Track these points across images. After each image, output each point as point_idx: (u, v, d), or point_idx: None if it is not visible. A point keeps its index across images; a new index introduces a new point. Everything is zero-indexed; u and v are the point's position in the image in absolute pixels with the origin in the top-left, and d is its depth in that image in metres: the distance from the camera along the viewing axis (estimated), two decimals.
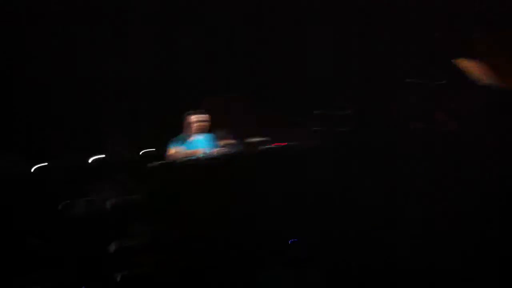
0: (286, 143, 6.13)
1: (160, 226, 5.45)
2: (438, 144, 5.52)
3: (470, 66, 6.43)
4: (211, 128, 6.85)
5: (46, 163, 6.39)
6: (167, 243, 5.34)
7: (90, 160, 6.97)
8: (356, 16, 8.32)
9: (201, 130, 6.74)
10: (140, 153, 5.86)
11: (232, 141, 6.73)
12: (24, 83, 8.24)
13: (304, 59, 8.61)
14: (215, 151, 6.45)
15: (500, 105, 5.79)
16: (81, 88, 8.36)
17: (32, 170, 6.27)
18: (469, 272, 4.72)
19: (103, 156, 7.50)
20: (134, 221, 5.49)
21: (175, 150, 6.54)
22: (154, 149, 6.17)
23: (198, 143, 6.68)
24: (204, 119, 6.75)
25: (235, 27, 8.80)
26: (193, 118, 6.74)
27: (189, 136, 6.71)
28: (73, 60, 8.41)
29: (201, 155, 6.23)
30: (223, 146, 6.60)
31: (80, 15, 8.44)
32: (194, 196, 5.50)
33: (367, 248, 5.08)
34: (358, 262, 5.01)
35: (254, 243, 5.32)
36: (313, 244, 5.31)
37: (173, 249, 5.32)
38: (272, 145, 6.01)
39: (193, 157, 6.15)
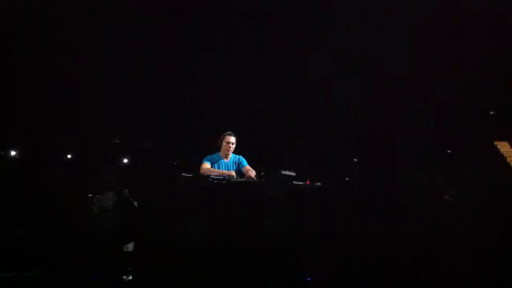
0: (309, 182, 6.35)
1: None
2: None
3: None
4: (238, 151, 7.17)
5: None
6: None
7: None
8: None
9: (231, 151, 7.06)
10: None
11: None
12: None
13: None
14: (247, 175, 6.73)
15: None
16: None
17: None
18: None
19: None
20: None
21: (207, 166, 6.81)
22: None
23: (228, 164, 7.01)
24: (235, 141, 7.05)
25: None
26: (228, 139, 7.02)
27: (222, 156, 7.03)
28: None
29: (230, 177, 6.45)
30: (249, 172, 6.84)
31: None
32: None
33: None
34: None
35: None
36: None
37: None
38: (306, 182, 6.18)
39: (223, 177, 6.34)
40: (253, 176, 6.69)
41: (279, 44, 9.20)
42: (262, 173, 6.70)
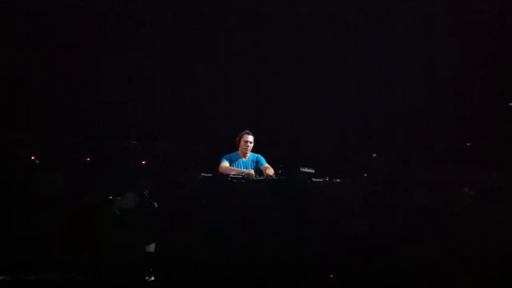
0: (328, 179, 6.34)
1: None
2: None
3: None
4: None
5: None
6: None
7: None
8: None
9: (249, 150, 7.06)
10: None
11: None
12: None
13: None
14: (265, 173, 6.74)
15: None
16: None
17: None
18: None
19: None
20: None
21: (226, 164, 6.84)
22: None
23: (247, 163, 7.02)
24: (252, 140, 7.06)
25: None
26: (246, 138, 7.03)
27: (240, 155, 7.05)
28: None
29: (249, 176, 6.47)
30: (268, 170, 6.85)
31: None
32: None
33: None
34: None
35: None
36: None
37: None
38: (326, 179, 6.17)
39: (242, 175, 6.36)
40: (271, 174, 6.70)
41: (290, 42, 9.22)
42: (280, 171, 6.71)
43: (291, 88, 9.34)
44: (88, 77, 9.29)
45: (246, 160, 7.06)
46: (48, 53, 9.13)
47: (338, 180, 6.25)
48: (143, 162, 8.77)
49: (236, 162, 6.99)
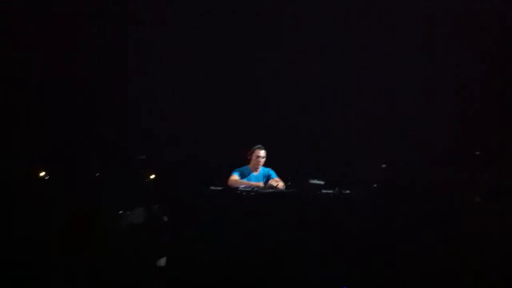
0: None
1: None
2: None
3: None
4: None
5: None
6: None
7: None
8: None
9: (261, 165, 7.06)
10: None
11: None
12: None
13: None
14: (276, 185, 6.73)
15: None
16: None
17: None
18: None
19: None
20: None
21: (236, 178, 6.84)
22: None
23: (258, 177, 7.02)
24: (265, 155, 7.04)
25: None
26: (258, 153, 7.03)
27: (252, 169, 7.05)
28: None
29: (258, 189, 6.47)
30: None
31: None
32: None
33: None
34: None
35: None
36: None
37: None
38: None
39: (251, 188, 6.35)
40: (274, 185, 6.67)
41: (293, 45, 9.21)
42: (289, 183, 6.68)
43: (298, 97, 9.30)
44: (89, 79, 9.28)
45: (257, 175, 7.04)
46: (48, 53, 9.15)
47: (348, 191, 6.22)
48: (152, 176, 8.75)
49: (248, 177, 6.98)
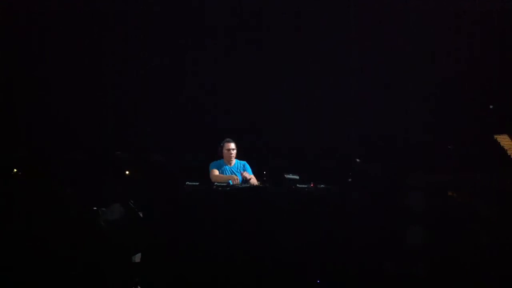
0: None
1: None
2: None
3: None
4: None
5: None
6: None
7: None
8: None
9: (234, 157, 7.12)
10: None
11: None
12: None
13: None
14: (249, 178, 6.80)
15: None
16: None
17: None
18: None
19: None
20: None
21: (216, 173, 6.92)
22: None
23: (233, 170, 7.08)
24: (235, 147, 7.10)
25: None
26: (228, 146, 7.07)
27: (226, 162, 7.11)
28: None
29: (236, 183, 6.51)
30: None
31: None
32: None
33: None
34: None
35: None
36: None
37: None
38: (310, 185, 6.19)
39: (226, 183, 6.38)
40: (248, 177, 6.76)
41: (276, 43, 9.22)
42: (264, 178, 6.72)
43: (276, 92, 9.31)
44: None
45: (232, 167, 7.10)
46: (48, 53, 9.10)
47: (323, 185, 6.28)
48: (128, 172, 8.73)
49: (223, 169, 7.04)
